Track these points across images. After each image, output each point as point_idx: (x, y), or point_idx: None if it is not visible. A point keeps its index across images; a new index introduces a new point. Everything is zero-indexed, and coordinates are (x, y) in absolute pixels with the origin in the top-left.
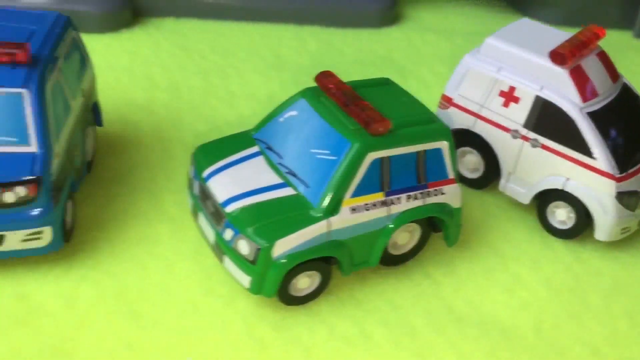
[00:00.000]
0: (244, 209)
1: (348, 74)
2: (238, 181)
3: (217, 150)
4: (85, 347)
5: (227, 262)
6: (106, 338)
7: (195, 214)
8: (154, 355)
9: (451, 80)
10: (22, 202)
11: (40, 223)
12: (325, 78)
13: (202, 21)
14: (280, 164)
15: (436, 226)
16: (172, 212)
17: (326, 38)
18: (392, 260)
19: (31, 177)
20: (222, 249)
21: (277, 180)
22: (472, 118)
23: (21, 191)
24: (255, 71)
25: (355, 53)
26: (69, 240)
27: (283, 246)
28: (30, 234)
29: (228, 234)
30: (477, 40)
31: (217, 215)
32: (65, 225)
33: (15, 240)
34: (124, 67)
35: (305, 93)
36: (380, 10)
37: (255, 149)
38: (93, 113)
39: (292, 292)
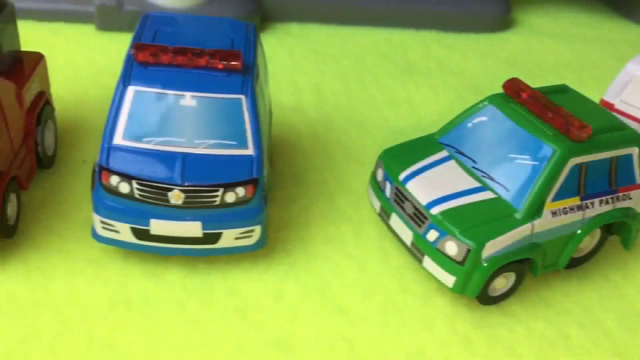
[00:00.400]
0: (449, 211)
1: (477, 78)
2: (437, 184)
3: (406, 154)
4: (304, 341)
5: (428, 262)
6: (321, 332)
7: (386, 215)
8: (371, 350)
9: (612, 86)
10: (240, 202)
11: (253, 222)
12: (514, 85)
13: (325, 26)
14: (474, 168)
15: (612, 229)
16: (349, 212)
17: (448, 43)
18: (571, 263)
19: (250, 179)
20: (422, 249)
21: (475, 184)
22: (635, 124)
23: (241, 192)
24: (389, 76)
25: (479, 58)
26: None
27: (492, 247)
28: (243, 233)
29: (432, 235)
30: (596, 47)
31: (417, 217)
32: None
33: (229, 238)
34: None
35: (493, 99)
36: (496, 15)
37: (444, 153)
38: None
39: (489, 292)
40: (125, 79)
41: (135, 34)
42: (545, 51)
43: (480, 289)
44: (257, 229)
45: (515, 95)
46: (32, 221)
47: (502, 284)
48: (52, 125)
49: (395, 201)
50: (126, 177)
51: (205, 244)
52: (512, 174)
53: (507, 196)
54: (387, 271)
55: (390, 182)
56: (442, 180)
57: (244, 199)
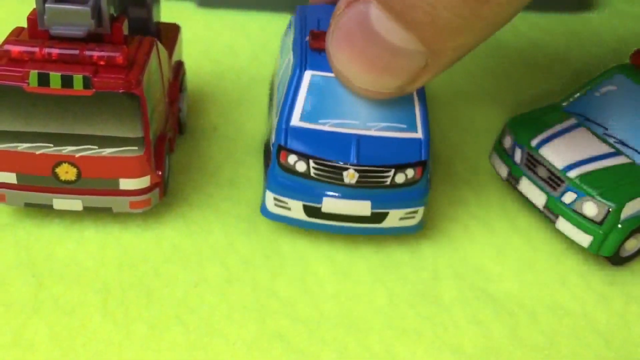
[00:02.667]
0: (586, 175)
1: (567, 55)
2: (571, 150)
3: (534, 122)
4: (448, 293)
5: (562, 223)
6: (462, 287)
7: (514, 180)
8: (513, 304)
9: None
10: (408, 183)
11: (418, 203)
12: None
13: None
14: (606, 134)
15: None
16: (467, 177)
17: (533, 21)
18: None
19: (419, 161)
20: (557, 211)
21: (608, 149)
22: None
23: (410, 173)
24: (484, 54)
25: (566, 36)
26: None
27: (631, 208)
28: (408, 213)
29: (569, 197)
30: None
31: (552, 180)
32: None
33: (395, 218)
34: None
35: (622, 69)
36: None
37: (573, 120)
38: None
39: (621, 253)
40: (302, 64)
41: (296, 23)
42: (628, 31)
43: (615, 249)
44: (421, 210)
45: None
46: (181, 181)
47: (632, 244)
48: (187, 93)
49: (527, 166)
50: (304, 156)
51: (372, 222)
52: None
53: None
54: (515, 232)
55: (522, 148)
56: (575, 145)
57: (412, 180)
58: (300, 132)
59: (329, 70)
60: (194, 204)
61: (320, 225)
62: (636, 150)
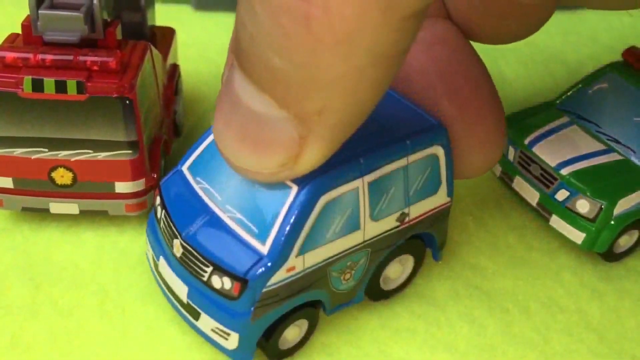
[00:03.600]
0: (579, 172)
1: (564, 53)
2: (564, 147)
3: (527, 121)
4: (442, 292)
5: (556, 220)
6: (458, 284)
7: (508, 178)
8: (507, 301)
9: None
10: (224, 295)
11: (231, 325)
12: (634, 53)
13: None
14: (598, 132)
15: None
16: None
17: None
18: None
19: (240, 277)
20: (550, 208)
21: (601, 146)
22: None
23: (226, 283)
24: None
25: (562, 35)
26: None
27: (623, 205)
28: (219, 330)
29: (562, 194)
30: None
31: (545, 178)
32: (274, 345)
33: (207, 325)
34: None
35: (614, 67)
36: None
37: (565, 119)
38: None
39: (614, 249)
40: None
41: None
42: (624, 28)
43: (609, 245)
44: (234, 336)
45: (635, 62)
46: None
47: (625, 241)
48: (182, 95)
49: (520, 164)
50: (162, 202)
51: (191, 316)
52: (638, 136)
53: (634, 158)
54: (509, 229)
55: (514, 147)
56: (568, 143)
57: (228, 293)
58: (179, 180)
59: None
60: None
61: (161, 288)
62: (628, 147)
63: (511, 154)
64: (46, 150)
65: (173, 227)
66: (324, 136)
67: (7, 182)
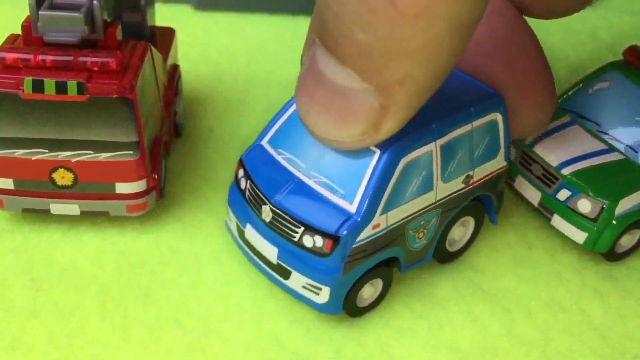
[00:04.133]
0: (580, 172)
1: (564, 52)
2: (565, 147)
3: None
4: (446, 293)
5: (557, 220)
6: (458, 284)
7: (509, 178)
8: (509, 300)
9: None
10: (315, 252)
11: (322, 280)
12: (636, 52)
13: None
14: (599, 131)
15: None
16: None
17: (530, 18)
18: None
19: (332, 234)
20: (552, 208)
21: (602, 146)
22: None
23: (318, 241)
24: None
25: (563, 34)
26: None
27: (625, 204)
28: (310, 285)
29: (563, 194)
30: None
31: (546, 178)
32: (353, 299)
33: (298, 282)
34: None
35: (615, 66)
36: None
37: (567, 118)
38: (477, 205)
39: (616, 249)
40: None
41: None
42: (624, 26)
43: (611, 244)
44: (325, 290)
45: (636, 61)
46: (178, 184)
47: (627, 240)
48: (182, 95)
49: (521, 164)
50: (247, 175)
51: (280, 275)
52: (639, 135)
53: (635, 157)
54: (510, 229)
55: (516, 146)
56: (569, 143)
57: (319, 250)
58: (260, 153)
59: None
60: (191, 206)
61: (247, 254)
62: (629, 147)
63: (512, 153)
64: (47, 151)
65: (261, 195)
66: (403, 104)
67: (7, 183)
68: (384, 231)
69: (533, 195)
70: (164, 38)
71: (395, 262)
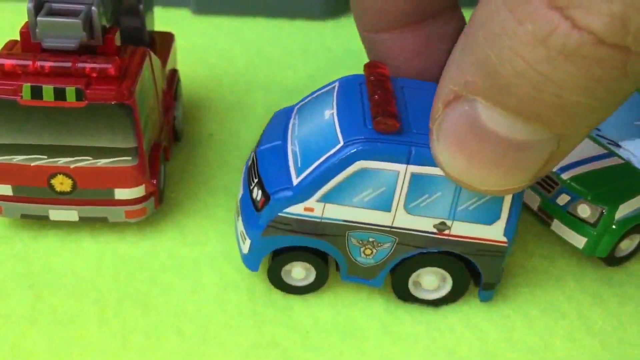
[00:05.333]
0: (580, 176)
1: None
2: None
3: None
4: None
5: (557, 224)
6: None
7: None
8: (508, 307)
9: None
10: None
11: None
12: None
13: None
14: (599, 135)
15: None
16: None
17: None
18: None
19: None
20: (551, 213)
21: (601, 150)
22: None
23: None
24: None
25: None
26: None
27: (625, 209)
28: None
29: (563, 199)
30: None
31: (546, 182)
32: None
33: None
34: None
35: None
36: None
37: None
38: None
39: (615, 253)
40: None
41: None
42: None
43: (610, 250)
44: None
45: None
46: (177, 189)
47: (627, 245)
48: (181, 100)
49: None
50: None
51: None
52: (638, 140)
53: (635, 161)
54: None
55: None
56: None
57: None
58: (287, 111)
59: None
60: (190, 212)
61: None
62: (629, 151)
63: None
64: (45, 157)
65: (259, 140)
66: (581, 139)
67: (6, 190)
68: (317, 219)
69: (532, 200)
70: (163, 43)
71: (329, 259)
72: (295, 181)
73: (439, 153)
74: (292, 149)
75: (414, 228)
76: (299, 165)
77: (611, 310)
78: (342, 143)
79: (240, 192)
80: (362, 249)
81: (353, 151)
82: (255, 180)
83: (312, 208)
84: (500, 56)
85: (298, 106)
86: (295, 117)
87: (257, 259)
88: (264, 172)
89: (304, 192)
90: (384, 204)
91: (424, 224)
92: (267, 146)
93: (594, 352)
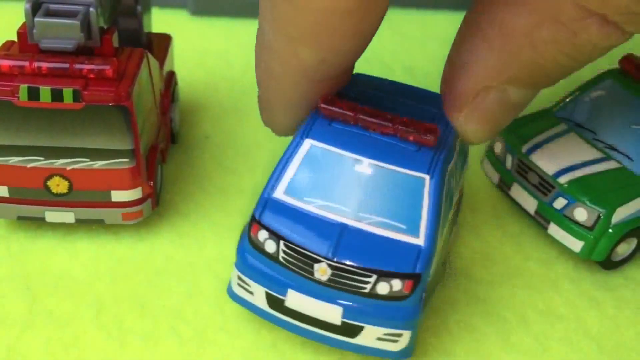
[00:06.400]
0: (577, 180)
1: None
2: (562, 155)
3: (524, 128)
4: (440, 299)
5: (554, 228)
6: (449, 291)
7: (505, 186)
8: (504, 308)
9: None
10: (393, 297)
11: (403, 325)
12: (631, 61)
13: (405, 10)
14: (595, 139)
15: None
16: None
17: None
18: None
19: (411, 273)
20: (548, 217)
21: (598, 154)
22: None
23: (396, 285)
24: None
25: None
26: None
27: (622, 213)
28: (388, 335)
29: (560, 202)
30: None
31: (543, 186)
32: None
33: (371, 336)
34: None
35: (611, 74)
36: None
37: (563, 126)
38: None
39: (612, 257)
40: (305, 131)
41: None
42: None
43: (607, 253)
44: (407, 335)
45: (632, 70)
46: (173, 191)
47: (624, 249)
48: (178, 102)
49: (518, 172)
50: (275, 235)
51: (343, 335)
52: (635, 144)
53: (631, 165)
54: (506, 237)
55: (512, 154)
56: (565, 151)
57: (398, 294)
58: (279, 207)
59: (335, 143)
60: (187, 214)
61: (283, 322)
62: (626, 155)
63: (509, 161)
64: (42, 158)
65: (309, 253)
66: None
67: (2, 191)
68: (440, 254)
69: (529, 203)
70: (161, 45)
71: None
72: (420, 240)
73: (469, 129)
74: (370, 222)
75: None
76: (405, 226)
77: (608, 314)
78: (427, 176)
79: (326, 313)
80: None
81: (441, 172)
82: (372, 278)
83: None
84: (544, 54)
85: (285, 192)
86: (311, 201)
87: (415, 340)
88: (373, 262)
89: (434, 242)
90: (450, 201)
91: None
92: (337, 246)
93: (590, 355)
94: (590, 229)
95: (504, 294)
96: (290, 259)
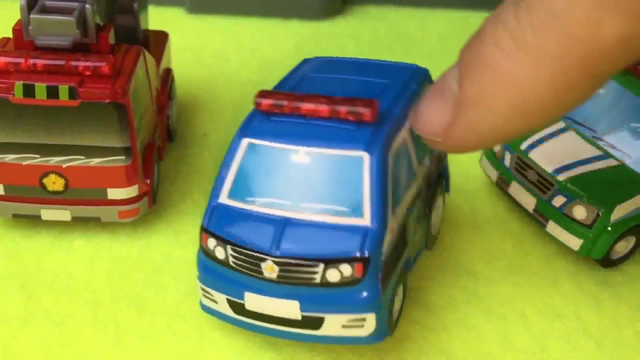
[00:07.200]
0: (576, 178)
1: None
2: (560, 153)
3: None
4: (440, 298)
5: (553, 226)
6: (453, 290)
7: (504, 183)
8: (503, 306)
9: None
10: (346, 283)
11: (363, 308)
12: None
13: (403, 8)
14: (594, 137)
15: None
16: (460, 183)
17: None
18: None
19: (359, 256)
20: (547, 214)
21: (597, 152)
22: None
23: (346, 270)
24: None
25: None
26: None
27: (620, 211)
28: (352, 320)
29: (559, 200)
30: None
31: (541, 184)
32: (391, 315)
33: (335, 325)
34: (358, 53)
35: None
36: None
37: (561, 124)
38: (440, 180)
39: (611, 255)
40: (242, 129)
41: (283, 78)
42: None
43: (606, 251)
44: (370, 318)
45: (632, 68)
46: (170, 189)
47: (622, 247)
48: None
49: (516, 170)
50: (222, 240)
51: (307, 328)
52: (634, 141)
53: (630, 163)
54: (505, 235)
55: (511, 152)
56: (564, 149)
57: (351, 279)
58: (225, 212)
59: (272, 137)
60: (183, 212)
61: (250, 326)
62: (625, 153)
63: (507, 159)
64: (38, 156)
65: (255, 253)
66: None
67: None
68: (398, 232)
69: (528, 201)
70: (157, 42)
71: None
72: (366, 220)
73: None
74: (311, 211)
75: (424, 173)
76: (347, 209)
77: (607, 312)
78: (365, 153)
79: (284, 309)
80: (413, 226)
81: (382, 149)
82: (320, 267)
83: (392, 226)
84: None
85: (228, 196)
86: (252, 200)
87: (386, 322)
88: (315, 253)
89: (383, 219)
90: (411, 173)
91: (426, 163)
92: (279, 241)
93: (589, 353)
94: (589, 227)
95: (502, 291)
96: (239, 262)
